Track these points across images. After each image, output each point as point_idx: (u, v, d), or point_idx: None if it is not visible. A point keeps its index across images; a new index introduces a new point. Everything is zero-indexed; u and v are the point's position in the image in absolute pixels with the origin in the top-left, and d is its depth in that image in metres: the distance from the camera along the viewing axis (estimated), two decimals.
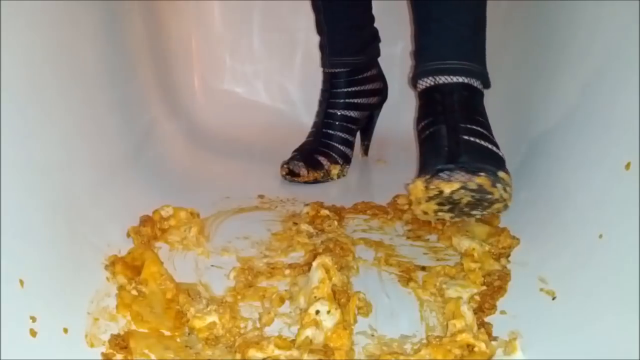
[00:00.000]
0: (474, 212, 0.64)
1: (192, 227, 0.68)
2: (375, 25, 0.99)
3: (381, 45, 1.01)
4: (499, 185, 0.60)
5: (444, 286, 0.58)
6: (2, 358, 0.38)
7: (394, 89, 1.05)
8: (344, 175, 0.96)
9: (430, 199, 0.62)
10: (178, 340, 0.50)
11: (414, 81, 0.74)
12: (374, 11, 0.98)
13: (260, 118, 1.21)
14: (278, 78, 1.25)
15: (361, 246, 0.69)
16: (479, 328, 0.50)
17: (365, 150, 1.06)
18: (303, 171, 0.91)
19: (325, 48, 0.98)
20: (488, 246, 0.63)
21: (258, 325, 0.53)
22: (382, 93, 1.02)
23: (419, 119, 0.72)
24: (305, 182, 0.91)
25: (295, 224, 0.73)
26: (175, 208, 0.69)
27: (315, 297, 0.51)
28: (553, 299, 0.53)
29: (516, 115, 0.84)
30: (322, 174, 0.92)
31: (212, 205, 0.79)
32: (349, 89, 0.97)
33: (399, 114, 1.11)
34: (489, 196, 0.60)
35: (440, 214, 0.63)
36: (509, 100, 0.85)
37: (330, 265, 0.54)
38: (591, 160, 0.58)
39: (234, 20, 1.24)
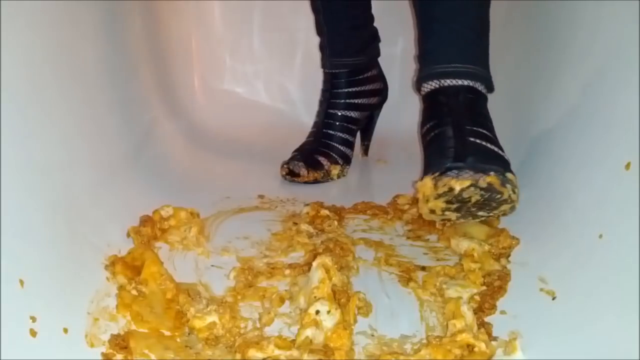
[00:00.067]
0: (480, 213, 0.63)
1: (192, 227, 0.68)
2: (375, 25, 0.99)
3: (381, 45, 1.01)
4: (508, 185, 0.60)
5: (444, 286, 0.58)
6: (2, 358, 0.38)
7: (394, 89, 1.05)
8: (344, 176, 0.96)
9: (439, 196, 0.61)
10: (178, 340, 0.50)
11: (418, 84, 0.74)
12: (374, 11, 0.98)
13: (260, 118, 1.21)
14: (278, 78, 1.25)
15: (361, 246, 0.69)
16: (479, 328, 0.50)
17: (365, 150, 1.06)
18: (303, 171, 0.91)
19: (326, 49, 0.98)
20: (488, 246, 0.63)
21: (258, 325, 0.53)
22: (382, 93, 1.02)
23: (424, 121, 0.71)
24: (305, 182, 0.91)
25: (295, 224, 0.73)
26: (175, 208, 0.69)
27: (315, 297, 0.51)
28: (553, 299, 0.53)
29: (517, 115, 0.84)
30: (322, 174, 0.92)
31: (212, 205, 0.79)
32: (350, 90, 0.97)
33: (399, 114, 1.11)
34: (498, 196, 0.60)
35: (447, 213, 0.63)
36: (509, 100, 0.85)
37: (330, 265, 0.54)
38: (592, 160, 0.58)
39: (234, 20, 1.24)
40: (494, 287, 0.57)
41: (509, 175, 0.61)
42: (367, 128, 1.04)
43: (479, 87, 0.70)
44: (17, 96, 0.50)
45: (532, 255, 0.61)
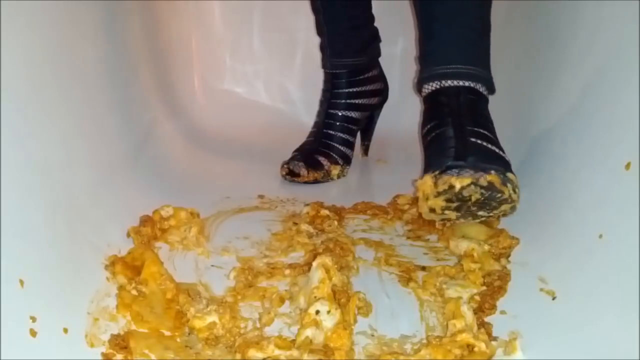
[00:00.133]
0: (480, 213, 0.63)
1: (192, 227, 0.68)
2: (376, 25, 0.99)
3: (381, 45, 1.01)
4: (508, 185, 0.60)
5: (444, 286, 0.58)
6: (2, 358, 0.38)
7: (394, 89, 1.05)
8: (344, 176, 0.96)
9: (439, 194, 0.60)
10: (178, 340, 0.50)
11: (419, 86, 0.74)
12: (374, 11, 0.98)
13: (260, 118, 1.21)
14: (278, 78, 1.25)
15: (361, 246, 0.69)
16: (479, 328, 0.50)
17: (366, 150, 1.06)
18: (303, 171, 0.91)
19: (326, 49, 0.98)
20: (488, 246, 0.63)
21: (258, 325, 0.53)
22: (382, 93, 1.02)
23: (424, 122, 0.71)
24: (305, 182, 0.91)
25: (295, 224, 0.73)
26: (175, 208, 0.69)
27: (315, 297, 0.51)
28: (553, 299, 0.53)
29: (517, 115, 0.84)
30: (322, 174, 0.92)
31: (212, 205, 0.79)
32: (350, 90, 0.97)
33: (399, 114, 1.11)
34: (499, 195, 0.60)
35: (447, 212, 0.62)
36: (509, 100, 0.85)
37: (330, 265, 0.54)
38: (592, 160, 0.58)
39: (234, 20, 1.24)
40: (494, 287, 0.57)
41: (509, 175, 0.61)
42: (367, 128, 1.04)
43: (480, 88, 0.70)
44: (17, 96, 0.50)
45: (532, 255, 0.61)
